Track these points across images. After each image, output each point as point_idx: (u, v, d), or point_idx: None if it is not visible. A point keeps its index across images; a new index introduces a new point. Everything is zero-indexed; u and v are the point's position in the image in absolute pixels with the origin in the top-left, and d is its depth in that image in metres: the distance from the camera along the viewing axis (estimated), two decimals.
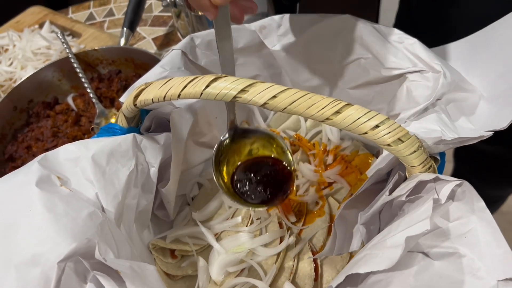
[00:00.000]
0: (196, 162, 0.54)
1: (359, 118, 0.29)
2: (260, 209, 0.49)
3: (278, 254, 0.46)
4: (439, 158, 0.36)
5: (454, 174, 1.04)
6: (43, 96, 0.73)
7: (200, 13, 0.71)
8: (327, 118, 0.29)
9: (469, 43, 0.45)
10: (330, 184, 0.53)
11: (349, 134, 0.57)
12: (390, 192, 0.34)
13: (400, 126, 0.29)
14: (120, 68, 0.76)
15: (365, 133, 0.29)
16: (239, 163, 0.49)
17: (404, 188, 0.32)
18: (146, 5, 0.91)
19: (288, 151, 0.49)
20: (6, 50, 0.87)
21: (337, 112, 0.29)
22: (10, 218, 0.31)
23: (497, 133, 0.36)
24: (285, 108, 0.30)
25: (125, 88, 0.73)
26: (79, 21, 0.94)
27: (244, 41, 0.51)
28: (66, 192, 0.34)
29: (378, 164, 0.37)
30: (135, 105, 0.37)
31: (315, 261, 0.45)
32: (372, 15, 1.07)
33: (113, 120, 0.69)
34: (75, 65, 0.71)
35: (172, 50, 0.48)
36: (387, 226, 0.31)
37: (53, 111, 0.72)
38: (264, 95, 0.30)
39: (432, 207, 0.29)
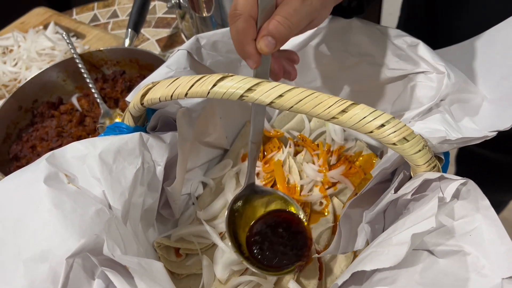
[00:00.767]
0: (201, 161, 0.55)
1: (365, 117, 0.29)
2: (274, 277, 0.45)
3: None
4: (443, 157, 0.36)
5: None
6: (48, 96, 0.74)
7: (204, 15, 0.72)
8: (333, 117, 0.29)
9: (472, 45, 0.46)
10: (334, 184, 0.53)
11: (353, 135, 0.57)
12: (395, 191, 0.34)
13: (405, 125, 0.29)
14: (124, 69, 0.76)
15: (371, 132, 0.29)
16: (253, 224, 0.47)
17: (409, 187, 0.32)
18: (150, 7, 0.91)
19: (304, 219, 0.47)
20: (11, 50, 0.87)
21: (343, 111, 0.29)
22: (18, 215, 0.31)
23: (500, 142, 0.36)
24: (292, 107, 0.30)
25: (129, 88, 0.73)
26: (83, 23, 0.94)
27: None
28: (74, 189, 0.34)
29: (383, 163, 0.38)
30: (142, 104, 0.38)
31: (319, 260, 0.46)
32: (374, 20, 1.07)
33: (117, 121, 0.70)
34: (80, 65, 0.71)
35: (178, 50, 0.48)
36: (392, 225, 0.31)
37: (58, 111, 0.72)
38: (271, 94, 0.30)
39: (437, 205, 0.29)
